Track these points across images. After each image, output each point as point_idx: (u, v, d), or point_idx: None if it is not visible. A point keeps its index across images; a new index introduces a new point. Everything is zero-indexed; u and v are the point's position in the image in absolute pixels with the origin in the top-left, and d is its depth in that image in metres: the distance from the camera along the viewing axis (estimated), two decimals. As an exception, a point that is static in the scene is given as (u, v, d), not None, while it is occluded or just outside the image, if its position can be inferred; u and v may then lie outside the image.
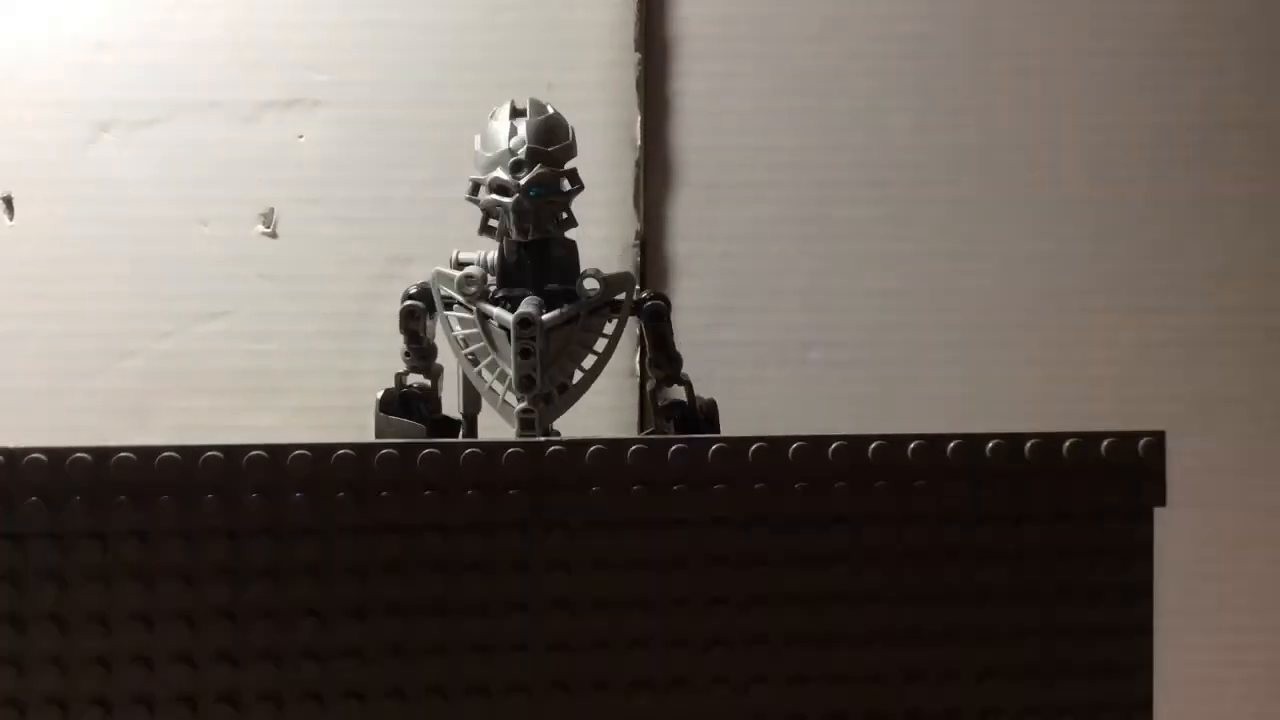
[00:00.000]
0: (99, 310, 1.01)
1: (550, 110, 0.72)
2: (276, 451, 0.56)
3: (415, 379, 0.76)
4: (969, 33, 1.03)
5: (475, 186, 0.72)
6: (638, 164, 1.01)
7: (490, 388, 0.69)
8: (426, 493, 0.57)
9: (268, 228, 1.02)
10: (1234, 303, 1.03)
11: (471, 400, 0.77)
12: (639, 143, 1.01)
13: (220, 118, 1.02)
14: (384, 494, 0.57)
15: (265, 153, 1.02)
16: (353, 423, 1.01)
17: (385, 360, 1.01)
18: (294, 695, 0.57)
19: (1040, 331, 1.03)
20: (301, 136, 1.02)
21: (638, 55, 1.02)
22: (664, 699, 0.58)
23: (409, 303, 0.73)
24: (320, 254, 1.02)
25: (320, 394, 1.02)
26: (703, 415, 0.73)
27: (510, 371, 0.67)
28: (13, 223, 1.01)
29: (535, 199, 0.69)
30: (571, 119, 0.73)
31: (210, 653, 0.56)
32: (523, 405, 0.66)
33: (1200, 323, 1.03)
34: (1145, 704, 0.60)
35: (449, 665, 0.57)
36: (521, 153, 0.69)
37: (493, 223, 0.71)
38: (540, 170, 0.69)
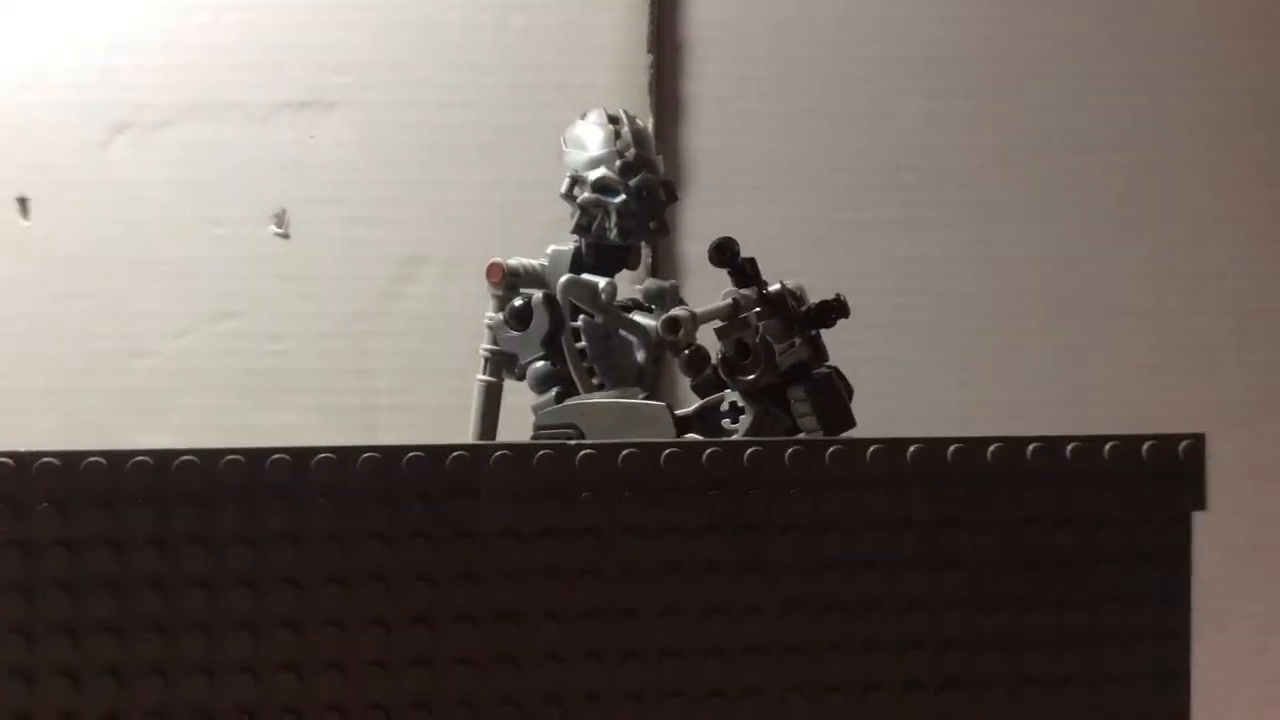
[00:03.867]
0: (113, 310, 0.97)
1: (639, 122, 0.71)
2: (299, 455, 0.51)
3: None
4: (983, 35, 1.00)
5: (572, 184, 0.69)
6: (650, 166, 0.97)
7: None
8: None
9: (280, 228, 0.98)
10: (1253, 305, 0.99)
11: None
12: (659, 144, 0.98)
13: (234, 119, 0.98)
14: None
15: (279, 154, 0.98)
16: (365, 422, 0.98)
17: (398, 360, 0.98)
18: (315, 710, 0.52)
19: (1056, 335, 0.99)
20: (313, 137, 0.98)
21: (650, 57, 0.98)
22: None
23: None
24: (333, 254, 0.98)
25: (333, 393, 0.98)
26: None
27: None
28: (28, 223, 0.97)
29: (641, 203, 0.68)
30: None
31: (230, 667, 0.52)
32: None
33: (1219, 325, 0.99)
34: (1183, 710, 0.56)
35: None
36: (630, 155, 0.68)
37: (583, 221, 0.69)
38: (647, 176, 0.68)
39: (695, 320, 0.60)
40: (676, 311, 0.60)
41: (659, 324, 0.61)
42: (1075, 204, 1.00)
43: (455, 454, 0.53)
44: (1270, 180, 1.00)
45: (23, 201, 0.97)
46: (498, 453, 0.53)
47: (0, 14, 0.97)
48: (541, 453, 0.53)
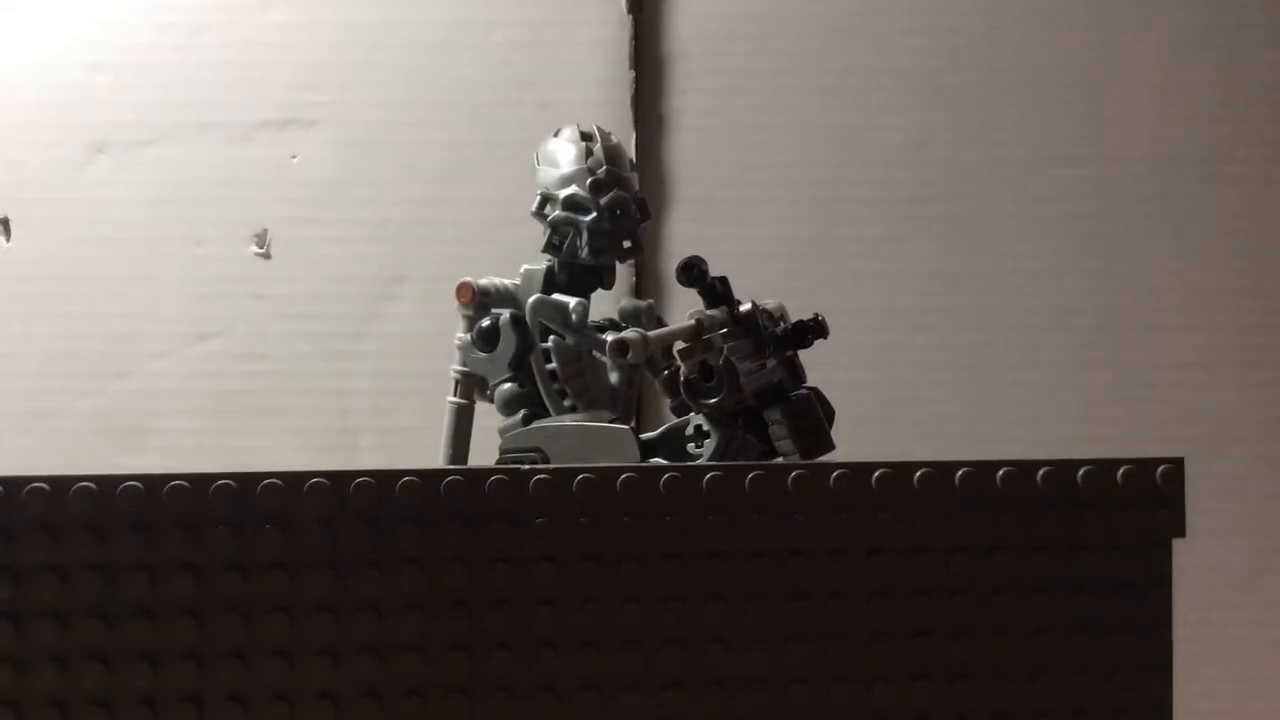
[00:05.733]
0: (93, 331, 0.96)
1: (613, 138, 0.70)
2: (291, 480, 0.50)
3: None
4: (968, 49, 0.98)
5: (543, 202, 0.68)
6: (632, 182, 0.96)
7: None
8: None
9: (261, 248, 0.97)
10: (1247, 322, 0.97)
11: None
12: (633, 160, 0.96)
13: (214, 138, 0.97)
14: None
15: (259, 173, 0.97)
16: (345, 444, 0.96)
17: (379, 381, 0.97)
18: None
19: (1045, 352, 0.97)
20: (295, 156, 0.97)
21: (632, 73, 0.97)
22: None
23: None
24: (313, 274, 0.97)
25: (313, 415, 0.97)
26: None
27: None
28: (9, 244, 0.97)
29: (613, 221, 0.66)
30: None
31: (219, 695, 0.50)
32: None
33: (1211, 343, 0.97)
34: (1165, 743, 0.54)
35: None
36: (601, 173, 0.67)
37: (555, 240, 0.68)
38: (619, 194, 0.67)
39: (647, 342, 0.58)
40: (627, 333, 0.58)
41: (607, 346, 0.59)
42: (1064, 218, 0.98)
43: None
44: (1266, 195, 0.98)
45: (4, 222, 0.96)
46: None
47: (-22, 34, 0.97)
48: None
